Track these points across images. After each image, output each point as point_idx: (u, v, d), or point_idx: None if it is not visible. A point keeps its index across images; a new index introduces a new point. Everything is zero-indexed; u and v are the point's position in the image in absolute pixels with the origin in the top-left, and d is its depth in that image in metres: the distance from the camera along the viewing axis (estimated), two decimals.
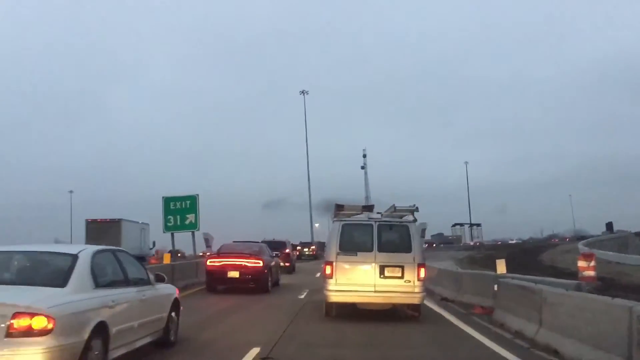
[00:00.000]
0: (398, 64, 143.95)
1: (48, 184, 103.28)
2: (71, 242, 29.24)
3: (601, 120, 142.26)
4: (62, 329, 4.98)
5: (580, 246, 52.11)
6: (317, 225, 68.01)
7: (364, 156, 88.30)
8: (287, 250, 28.34)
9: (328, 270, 10.74)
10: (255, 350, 7.51)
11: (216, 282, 16.37)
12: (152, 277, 7.54)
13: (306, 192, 66.49)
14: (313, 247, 51.23)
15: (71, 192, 79.57)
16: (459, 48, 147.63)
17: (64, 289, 5.43)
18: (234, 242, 19.17)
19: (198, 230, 22.21)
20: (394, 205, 11.68)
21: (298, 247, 45.98)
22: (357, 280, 10.65)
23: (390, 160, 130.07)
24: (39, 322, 4.82)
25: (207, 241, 24.54)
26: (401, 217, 11.27)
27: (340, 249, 10.77)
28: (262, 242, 21.98)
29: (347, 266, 10.71)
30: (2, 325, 4.78)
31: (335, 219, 11.28)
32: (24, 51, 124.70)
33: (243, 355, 7.26)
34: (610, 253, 39.27)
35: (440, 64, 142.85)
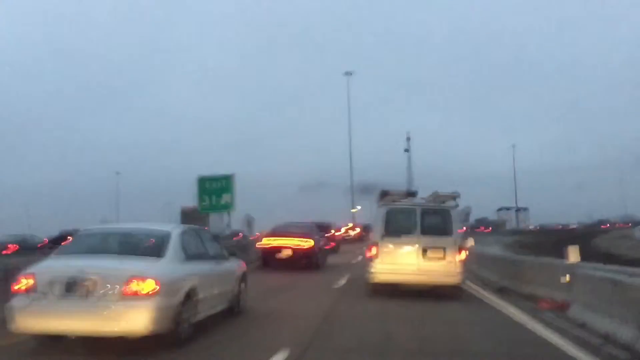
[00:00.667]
0: (445, 46, 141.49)
1: (97, 165, 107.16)
2: (118, 221, 33.10)
3: None
4: (165, 292, 6.06)
5: (637, 231, 50.40)
6: (357, 208, 68.17)
7: (408, 139, 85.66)
8: (332, 232, 29.39)
9: (373, 251, 11.41)
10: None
11: (271, 260, 17.51)
12: (226, 252, 8.62)
13: (347, 175, 66.78)
14: (358, 229, 51.95)
15: (118, 173, 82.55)
16: (510, 29, 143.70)
17: (163, 259, 6.52)
18: (286, 223, 20.24)
19: (234, 210, 21.93)
20: (436, 191, 12.22)
21: (343, 230, 46.89)
22: (400, 261, 11.30)
23: (435, 144, 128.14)
24: (149, 285, 5.91)
25: (249, 223, 25.81)
26: (443, 202, 11.78)
27: (385, 232, 11.43)
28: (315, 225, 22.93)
29: (391, 248, 11.37)
30: (118, 287, 5.88)
31: (381, 204, 11.89)
32: (72, 33, 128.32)
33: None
34: None
35: (489, 46, 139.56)
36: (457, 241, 11.29)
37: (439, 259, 11.19)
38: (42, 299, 5.90)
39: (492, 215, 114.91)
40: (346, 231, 48.76)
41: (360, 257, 22.47)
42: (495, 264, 14.87)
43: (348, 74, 65.89)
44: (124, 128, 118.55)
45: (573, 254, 10.25)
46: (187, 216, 35.60)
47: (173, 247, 6.79)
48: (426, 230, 11.34)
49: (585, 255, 10.63)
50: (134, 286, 5.87)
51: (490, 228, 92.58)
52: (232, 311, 8.66)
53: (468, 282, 13.33)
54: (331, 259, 22.24)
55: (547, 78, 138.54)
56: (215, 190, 21.59)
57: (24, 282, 6.03)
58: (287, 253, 17.38)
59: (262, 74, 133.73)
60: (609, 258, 27.05)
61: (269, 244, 17.70)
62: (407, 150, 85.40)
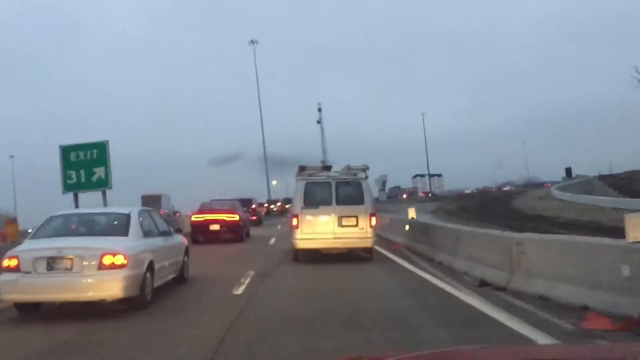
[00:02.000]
0: (356, 15, 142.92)
1: None
2: None
3: (551, 69, 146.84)
4: (132, 264, 7.42)
5: (556, 191, 51.22)
6: (274, 182, 68.57)
7: (319, 110, 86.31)
8: (254, 206, 31.15)
9: (295, 222, 12.53)
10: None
11: (200, 234, 18.88)
12: (172, 229, 9.99)
13: (261, 149, 67.22)
14: (279, 203, 53.83)
15: (12, 157, 77.77)
16: None
17: (127, 237, 7.84)
18: (211, 200, 21.58)
19: (110, 188, 15.81)
20: (348, 165, 13.44)
21: (265, 205, 48.65)
22: (319, 230, 12.47)
23: (349, 115, 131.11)
24: (119, 259, 7.25)
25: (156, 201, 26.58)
26: (355, 174, 12.95)
27: (304, 203, 12.55)
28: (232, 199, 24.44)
29: (310, 218, 12.51)
30: (94, 262, 7.17)
31: (299, 178, 12.90)
32: None
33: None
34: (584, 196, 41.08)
35: (398, 12, 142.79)
36: (367, 209, 12.54)
37: (353, 225, 12.44)
38: (26, 276, 7.08)
39: (407, 183, 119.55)
40: (268, 206, 50.87)
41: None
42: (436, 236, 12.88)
43: (253, 42, 66.02)
44: (23, 109, 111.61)
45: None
46: (146, 200, 37.76)
47: (133, 227, 8.12)
48: (341, 201, 12.53)
49: (511, 218, 11.07)
50: (106, 260, 7.19)
51: (405, 195, 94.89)
52: (179, 279, 10.06)
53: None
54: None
55: (457, 46, 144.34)
56: (84, 163, 15.86)
57: (8, 262, 7.17)
58: (214, 227, 18.81)
59: (172, 45, 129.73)
60: (542, 220, 28.23)
61: (197, 220, 19.00)
62: (319, 122, 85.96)
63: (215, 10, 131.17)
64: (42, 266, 7.11)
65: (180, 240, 10.52)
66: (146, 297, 7.81)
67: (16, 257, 7.20)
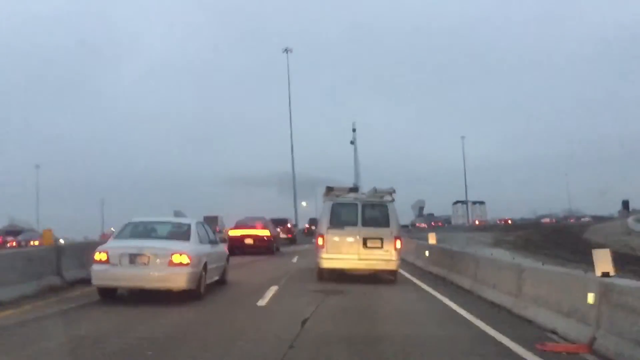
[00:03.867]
0: (395, 35, 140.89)
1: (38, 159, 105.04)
2: None
3: (599, 100, 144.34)
4: (193, 263, 9.50)
5: (632, 222, 48.64)
6: (304, 203, 65.85)
7: (354, 130, 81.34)
8: (289, 225, 33.44)
9: (320, 241, 12.76)
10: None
11: (236, 247, 21.02)
12: (219, 239, 12.11)
13: (297, 171, 64.43)
14: (306, 225, 55.33)
15: (38, 167, 78.73)
16: (465, 21, 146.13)
17: (189, 242, 9.95)
18: (246, 217, 23.84)
19: None
20: (374, 187, 13.71)
21: (306, 225, 50.52)
22: (344, 250, 12.71)
23: (383, 138, 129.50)
24: (185, 259, 9.34)
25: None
26: (381, 197, 13.16)
27: (330, 224, 12.83)
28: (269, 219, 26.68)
29: (336, 238, 12.74)
30: (166, 260, 9.25)
31: (326, 199, 13.27)
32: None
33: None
34: None
35: (442, 36, 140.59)
36: (393, 232, 12.69)
37: (378, 247, 12.63)
38: (113, 268, 9.23)
39: (446, 210, 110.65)
40: (310, 225, 52.73)
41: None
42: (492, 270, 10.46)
43: (287, 50, 62.83)
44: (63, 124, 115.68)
45: (603, 263, 6.47)
46: (207, 221, 44.32)
47: (193, 234, 10.25)
48: (366, 222, 12.74)
49: (588, 254, 7.21)
50: (175, 259, 9.29)
51: (440, 223, 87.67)
52: (221, 281, 12.09)
53: None
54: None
55: (498, 73, 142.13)
56: None
57: (99, 256, 9.33)
58: (249, 241, 20.98)
59: (211, 65, 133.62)
60: None
61: (235, 234, 21.22)
62: (352, 142, 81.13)
63: (253, 30, 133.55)
64: (125, 260, 9.26)
65: (223, 248, 12.62)
66: (201, 291, 9.88)
67: (106, 252, 9.37)
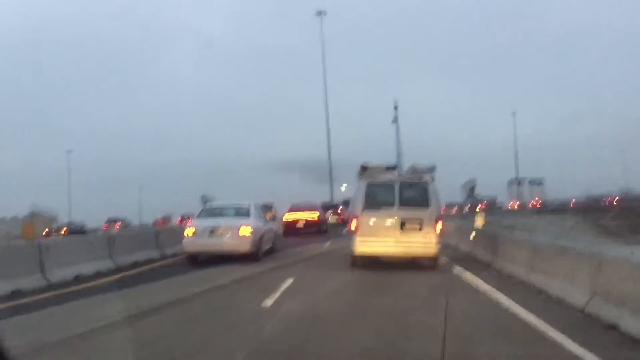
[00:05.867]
0: (441, 9, 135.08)
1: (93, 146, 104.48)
2: None
3: None
4: (254, 233, 13.42)
5: None
6: (343, 187, 58.40)
7: (395, 108, 74.21)
8: (340, 209, 36.67)
9: (354, 224, 12.02)
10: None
11: (290, 228, 25.01)
12: (271, 216, 16.05)
13: (334, 152, 58.45)
14: (341, 207, 57.03)
15: (70, 151, 73.46)
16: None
17: (249, 218, 13.83)
18: (298, 202, 27.78)
19: None
20: (413, 165, 12.81)
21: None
22: (380, 234, 11.84)
23: (428, 117, 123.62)
24: (248, 230, 13.26)
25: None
26: (421, 176, 12.23)
27: (365, 205, 12.05)
28: (320, 204, 30.38)
29: (371, 221, 11.93)
30: (235, 232, 13.18)
31: (360, 178, 12.51)
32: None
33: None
34: None
35: (496, 11, 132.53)
36: (433, 213, 11.78)
37: (416, 230, 11.72)
38: (199, 239, 13.24)
39: (495, 190, 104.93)
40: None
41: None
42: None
43: (320, 13, 56.82)
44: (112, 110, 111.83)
45: None
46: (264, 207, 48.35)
47: (252, 213, 14.20)
48: (404, 203, 11.88)
49: None
50: (241, 231, 13.20)
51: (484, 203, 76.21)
52: (272, 249, 15.94)
53: None
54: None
55: (555, 49, 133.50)
56: None
57: (189, 230, 13.37)
58: (300, 224, 24.93)
59: (248, 45, 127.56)
60: None
61: (289, 218, 25.21)
62: (394, 121, 73.84)
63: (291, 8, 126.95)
64: (206, 233, 13.28)
65: (275, 224, 16.58)
66: (259, 254, 13.80)
67: (194, 227, 13.39)
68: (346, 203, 34.90)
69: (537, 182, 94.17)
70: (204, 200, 31.43)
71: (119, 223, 53.81)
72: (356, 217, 12.07)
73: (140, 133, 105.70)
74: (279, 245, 16.65)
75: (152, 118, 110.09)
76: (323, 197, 48.00)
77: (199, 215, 14.47)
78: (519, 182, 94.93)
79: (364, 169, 12.57)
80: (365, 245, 11.91)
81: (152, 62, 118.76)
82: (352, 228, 12.05)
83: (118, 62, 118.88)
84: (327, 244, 19.06)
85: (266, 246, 14.80)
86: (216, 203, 15.12)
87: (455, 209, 65.12)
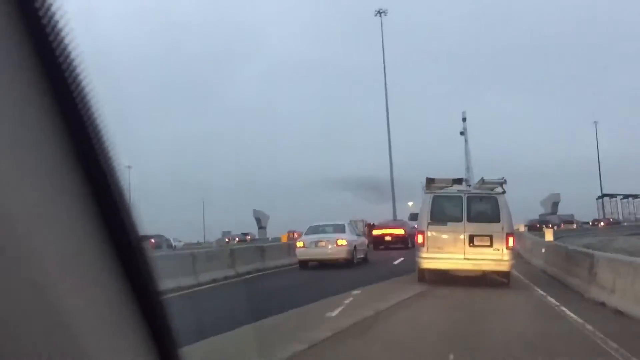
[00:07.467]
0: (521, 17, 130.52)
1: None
2: None
3: None
4: (348, 244, 17.30)
5: None
6: (410, 203, 57.68)
7: (464, 120, 74.48)
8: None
9: (420, 239, 11.75)
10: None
11: (378, 243, 28.63)
12: (361, 232, 19.96)
13: (408, 170, 63.77)
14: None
15: (130, 167, 79.60)
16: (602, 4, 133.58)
17: (345, 234, 17.76)
18: (386, 220, 31.41)
19: None
20: (482, 178, 12.46)
21: None
22: (447, 248, 11.55)
23: (501, 131, 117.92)
24: (344, 242, 17.19)
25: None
26: (491, 189, 11.93)
27: (431, 219, 11.72)
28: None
29: (437, 235, 11.67)
30: (334, 243, 17.12)
31: (427, 191, 12.36)
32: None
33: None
34: None
35: (574, 20, 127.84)
36: (504, 227, 11.35)
37: (486, 246, 11.31)
38: (307, 249, 17.32)
39: (588, 206, 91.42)
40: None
41: None
42: None
43: (380, 13, 54.81)
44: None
45: None
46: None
47: (347, 229, 18.13)
48: (473, 217, 11.54)
49: None
50: (339, 242, 17.15)
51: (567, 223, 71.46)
52: (364, 259, 19.62)
53: None
54: None
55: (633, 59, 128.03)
56: None
57: (300, 243, 17.53)
58: (388, 239, 28.50)
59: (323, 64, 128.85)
60: None
61: (377, 233, 28.89)
62: (462, 134, 74.39)
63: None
64: (313, 245, 17.33)
65: (365, 239, 20.41)
66: (354, 261, 17.63)
67: (303, 241, 17.52)
68: (413, 216, 36.07)
69: (632, 197, 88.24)
70: (255, 215, 34.04)
71: (249, 236, 59.07)
72: (422, 232, 11.85)
73: (201, 149, 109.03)
74: (367, 257, 20.30)
75: (214, 134, 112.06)
76: (386, 214, 47.62)
77: (306, 232, 18.59)
78: (611, 196, 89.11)
79: (430, 181, 12.33)
80: (431, 261, 11.74)
81: (225, 78, 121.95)
82: (419, 242, 11.85)
83: (192, 78, 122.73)
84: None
85: (359, 255, 18.57)
86: (318, 222, 19.23)
87: (533, 224, 60.10)
